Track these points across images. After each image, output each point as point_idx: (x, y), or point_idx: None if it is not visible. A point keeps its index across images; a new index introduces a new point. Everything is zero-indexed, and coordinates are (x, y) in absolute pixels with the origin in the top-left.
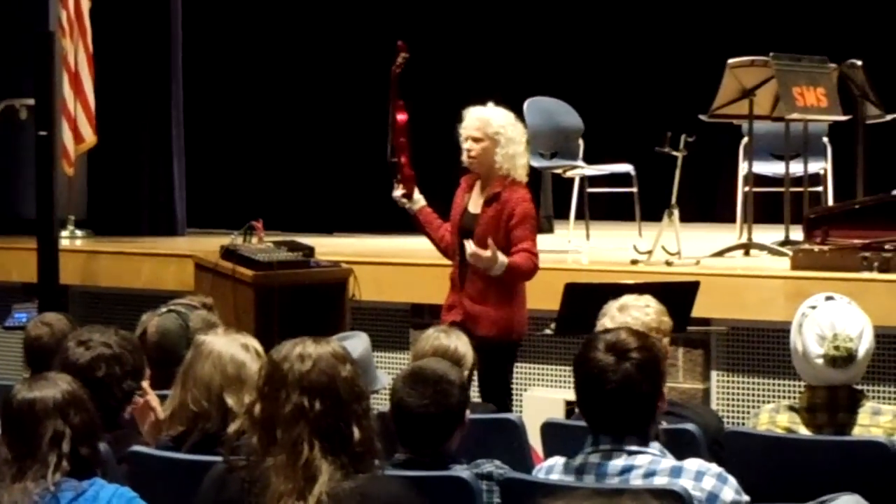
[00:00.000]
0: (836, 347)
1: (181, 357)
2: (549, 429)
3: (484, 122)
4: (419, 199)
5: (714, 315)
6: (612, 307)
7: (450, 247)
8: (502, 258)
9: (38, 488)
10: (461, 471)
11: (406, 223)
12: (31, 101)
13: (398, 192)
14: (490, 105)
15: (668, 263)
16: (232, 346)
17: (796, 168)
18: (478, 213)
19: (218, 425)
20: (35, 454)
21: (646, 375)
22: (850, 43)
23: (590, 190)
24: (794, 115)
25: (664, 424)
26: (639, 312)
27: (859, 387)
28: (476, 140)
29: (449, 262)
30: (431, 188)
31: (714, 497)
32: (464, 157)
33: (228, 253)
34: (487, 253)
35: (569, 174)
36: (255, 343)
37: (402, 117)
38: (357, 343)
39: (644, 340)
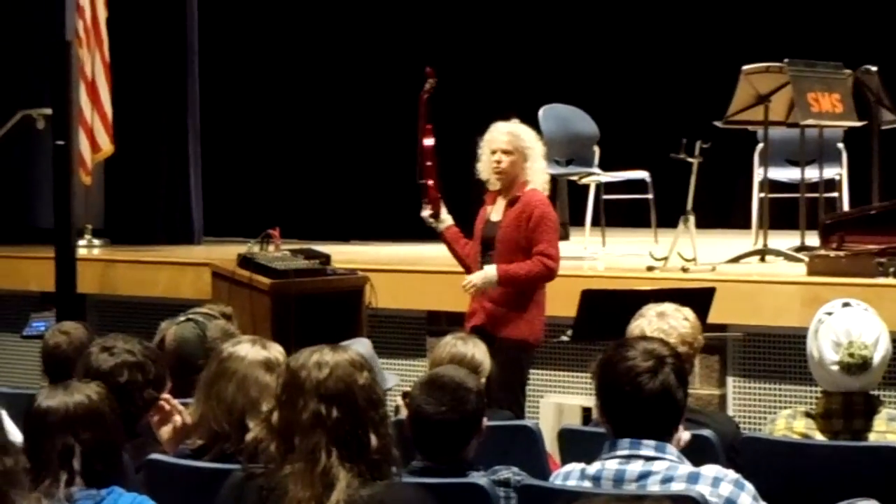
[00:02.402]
0: (851, 354)
1: (199, 367)
2: (565, 435)
3: (515, 136)
4: (446, 219)
5: (730, 321)
6: (650, 311)
7: (471, 258)
8: (489, 271)
9: (50, 502)
10: (478, 478)
11: (422, 231)
12: (49, 111)
13: (426, 212)
14: (515, 121)
15: (684, 270)
16: (256, 368)
17: (812, 174)
18: (499, 219)
19: (236, 446)
20: (48, 467)
21: (681, 384)
22: (865, 48)
23: (605, 197)
24: (810, 121)
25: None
26: (677, 322)
27: (876, 393)
28: (506, 153)
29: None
30: (449, 200)
31: (731, 503)
32: (480, 168)
33: (245, 261)
34: (475, 279)
35: (584, 181)
36: (279, 355)
37: (429, 142)
38: (357, 346)
39: (675, 351)
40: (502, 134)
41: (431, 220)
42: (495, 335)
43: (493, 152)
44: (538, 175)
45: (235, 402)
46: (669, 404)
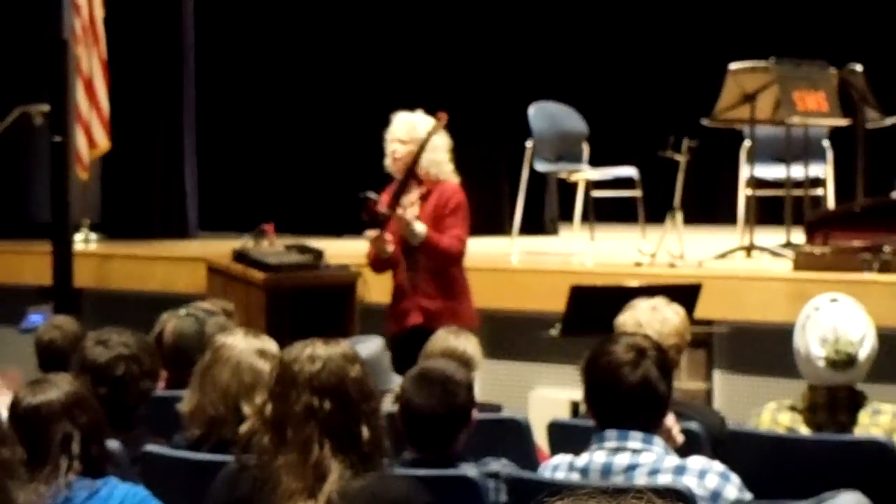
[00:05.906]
0: (837, 351)
1: (195, 361)
2: (554, 428)
3: (411, 126)
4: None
5: (716, 316)
6: (642, 306)
7: (392, 256)
8: (420, 227)
9: (49, 491)
10: (468, 469)
11: None
12: (46, 108)
13: (388, 247)
14: (418, 112)
15: (671, 265)
16: (250, 355)
17: (797, 171)
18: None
19: (233, 432)
20: (46, 459)
21: (663, 376)
22: (851, 47)
23: (594, 193)
24: (795, 120)
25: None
26: (670, 315)
27: (860, 387)
28: (402, 143)
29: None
30: None
31: (717, 495)
32: (387, 162)
33: (240, 256)
34: (407, 215)
35: (573, 178)
36: (272, 347)
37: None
38: (369, 345)
39: (659, 346)
40: (401, 124)
41: (382, 245)
42: (435, 330)
43: (392, 142)
44: (441, 166)
45: (230, 387)
46: (651, 396)
